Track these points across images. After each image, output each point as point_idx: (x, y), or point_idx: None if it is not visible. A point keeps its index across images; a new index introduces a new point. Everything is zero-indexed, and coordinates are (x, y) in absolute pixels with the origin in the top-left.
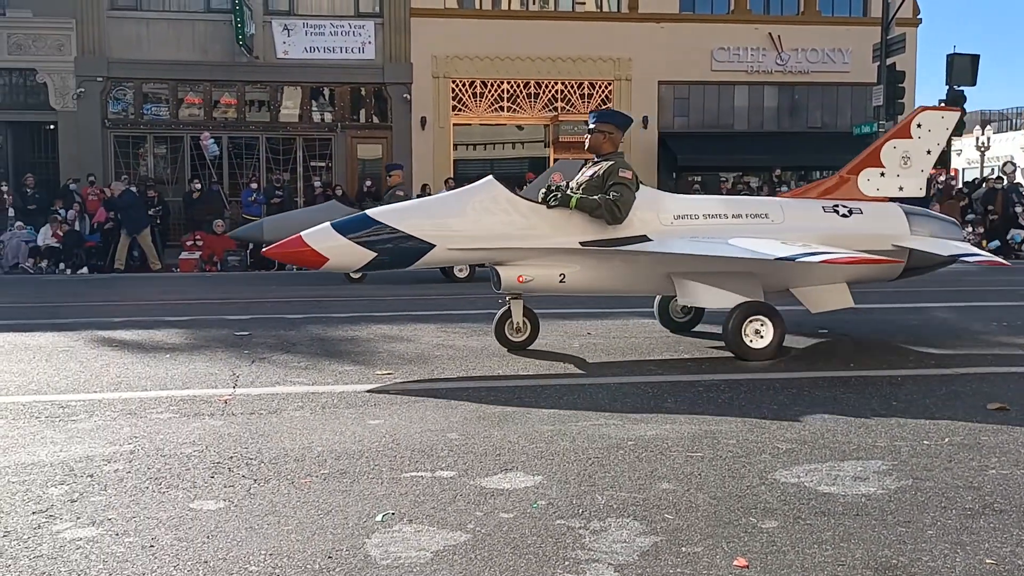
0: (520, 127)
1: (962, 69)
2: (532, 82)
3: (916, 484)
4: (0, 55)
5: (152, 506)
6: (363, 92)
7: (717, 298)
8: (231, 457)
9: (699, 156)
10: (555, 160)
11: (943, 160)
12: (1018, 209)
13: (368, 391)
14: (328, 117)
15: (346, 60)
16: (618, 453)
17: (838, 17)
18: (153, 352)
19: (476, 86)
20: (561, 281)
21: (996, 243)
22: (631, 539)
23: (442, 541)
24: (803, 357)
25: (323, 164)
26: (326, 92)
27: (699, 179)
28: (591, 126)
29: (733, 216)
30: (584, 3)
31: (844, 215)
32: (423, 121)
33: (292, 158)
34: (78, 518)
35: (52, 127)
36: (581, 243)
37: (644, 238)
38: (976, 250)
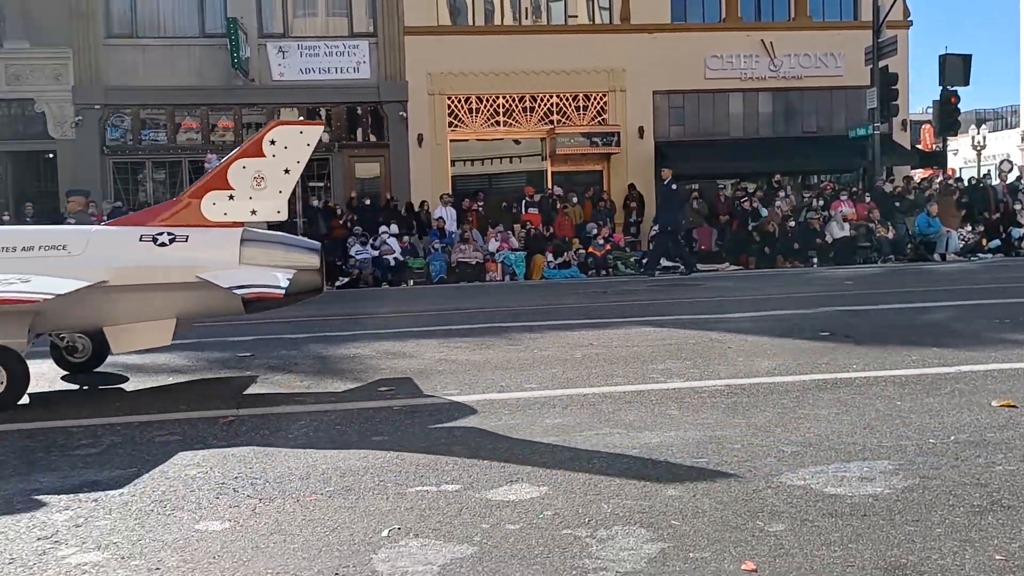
0: (517, 141)
1: (954, 69)
2: (527, 96)
3: (923, 483)
4: None
5: (157, 529)
6: (359, 111)
7: None
8: (236, 477)
9: (696, 164)
10: (552, 173)
11: (940, 160)
12: (1017, 207)
13: (371, 408)
14: (325, 137)
15: (341, 80)
16: (623, 461)
17: (829, 22)
18: (156, 375)
19: (472, 102)
20: None
21: (997, 241)
22: (638, 546)
23: (449, 554)
24: (799, 358)
25: (321, 184)
26: (323, 112)
27: (696, 187)
28: None
29: (23, 249)
30: (576, 16)
31: (163, 244)
32: (420, 138)
33: None
34: (83, 543)
35: (51, 156)
36: None
37: None
38: (269, 283)
